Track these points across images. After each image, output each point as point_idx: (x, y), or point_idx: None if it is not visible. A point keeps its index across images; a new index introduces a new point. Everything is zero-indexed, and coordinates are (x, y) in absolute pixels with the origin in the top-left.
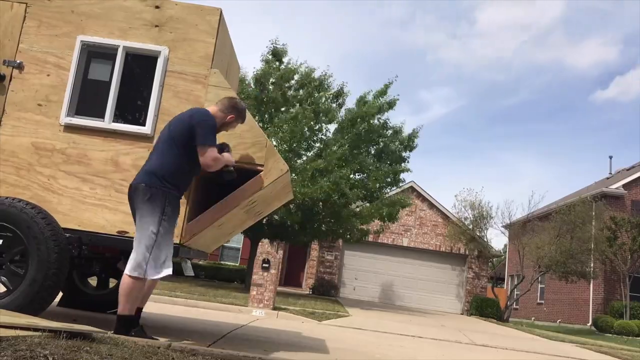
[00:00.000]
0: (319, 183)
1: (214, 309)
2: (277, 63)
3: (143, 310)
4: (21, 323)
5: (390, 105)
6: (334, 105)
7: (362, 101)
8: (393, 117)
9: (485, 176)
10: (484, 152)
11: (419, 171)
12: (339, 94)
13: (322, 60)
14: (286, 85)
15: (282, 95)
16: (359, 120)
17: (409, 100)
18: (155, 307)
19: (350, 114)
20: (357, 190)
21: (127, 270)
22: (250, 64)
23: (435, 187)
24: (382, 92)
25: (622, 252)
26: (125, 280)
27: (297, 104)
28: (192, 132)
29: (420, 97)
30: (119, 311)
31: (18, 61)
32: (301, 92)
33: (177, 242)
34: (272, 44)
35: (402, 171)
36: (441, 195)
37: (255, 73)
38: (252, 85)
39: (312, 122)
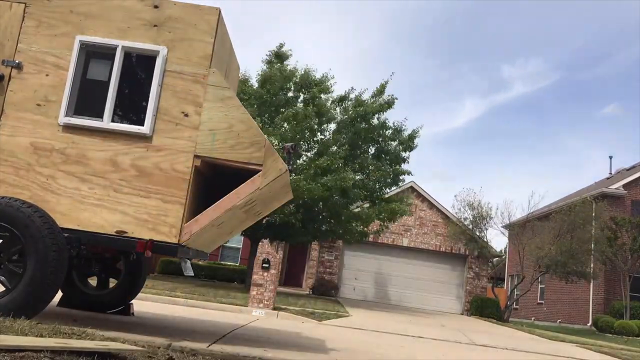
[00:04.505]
0: (322, 180)
1: (214, 309)
2: (279, 65)
3: (142, 310)
4: (50, 345)
5: (389, 104)
6: (338, 109)
7: (357, 101)
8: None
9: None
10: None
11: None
12: (344, 98)
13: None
14: (287, 85)
15: (283, 95)
16: (357, 119)
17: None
18: (155, 307)
19: (345, 112)
20: (358, 191)
21: None
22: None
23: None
24: (380, 92)
25: (622, 252)
26: None
27: (300, 104)
28: None
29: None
30: None
31: (17, 61)
32: (300, 93)
33: (176, 242)
34: (277, 48)
35: (403, 173)
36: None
37: (259, 75)
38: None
39: (312, 122)
